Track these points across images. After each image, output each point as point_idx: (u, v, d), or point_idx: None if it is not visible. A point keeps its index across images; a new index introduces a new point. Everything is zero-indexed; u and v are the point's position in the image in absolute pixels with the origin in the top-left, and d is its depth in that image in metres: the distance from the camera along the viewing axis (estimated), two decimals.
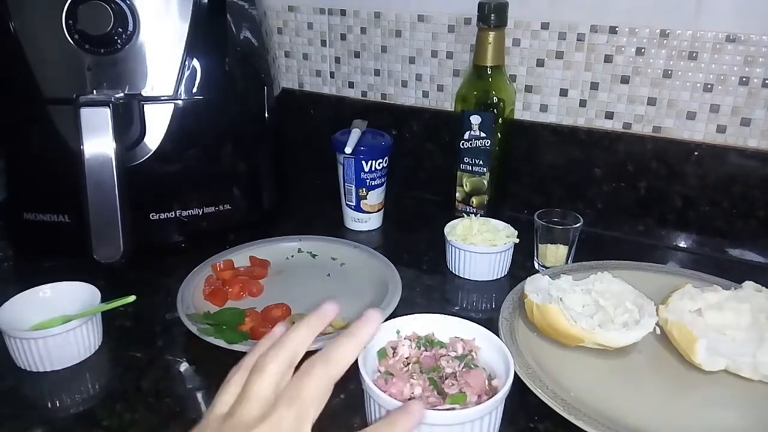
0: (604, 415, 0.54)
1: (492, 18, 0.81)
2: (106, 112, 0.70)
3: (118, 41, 0.74)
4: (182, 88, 0.78)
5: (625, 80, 0.85)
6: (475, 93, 0.85)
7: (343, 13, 1.02)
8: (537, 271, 0.80)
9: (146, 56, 0.76)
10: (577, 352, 0.63)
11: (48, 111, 0.75)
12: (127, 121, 0.75)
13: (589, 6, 0.84)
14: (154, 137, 0.78)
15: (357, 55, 1.04)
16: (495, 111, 0.84)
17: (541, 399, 0.56)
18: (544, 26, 0.88)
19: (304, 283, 0.77)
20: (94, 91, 0.75)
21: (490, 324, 0.61)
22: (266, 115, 0.91)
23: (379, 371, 0.54)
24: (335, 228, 0.93)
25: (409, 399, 0.51)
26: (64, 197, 0.78)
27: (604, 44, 0.85)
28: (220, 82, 0.81)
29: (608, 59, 0.85)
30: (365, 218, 0.92)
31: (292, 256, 0.83)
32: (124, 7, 0.73)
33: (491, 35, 0.82)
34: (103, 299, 0.66)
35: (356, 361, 0.52)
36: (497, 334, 0.57)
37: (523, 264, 0.82)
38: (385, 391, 0.50)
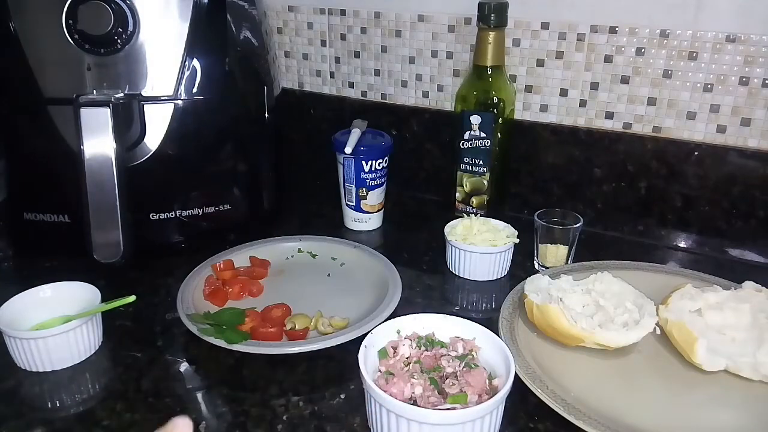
0: (604, 415, 0.54)
1: (492, 18, 0.81)
2: (106, 112, 0.70)
3: (118, 41, 0.74)
4: (182, 88, 0.78)
5: (625, 80, 0.85)
6: (475, 93, 0.85)
7: (343, 13, 1.02)
8: (537, 271, 0.80)
9: (146, 56, 0.76)
10: (577, 352, 0.63)
11: (48, 111, 0.75)
12: (127, 121, 0.75)
13: (589, 6, 0.84)
14: (154, 137, 0.78)
15: (357, 55, 1.04)
16: (495, 111, 0.84)
17: (541, 399, 0.56)
18: (544, 26, 0.88)
19: (304, 283, 0.77)
20: (94, 91, 0.75)
21: (490, 324, 0.60)
22: (266, 115, 0.91)
23: (379, 371, 0.54)
24: (335, 228, 0.93)
25: (410, 398, 0.51)
26: (64, 197, 0.78)
27: (604, 44, 0.85)
28: (220, 82, 0.81)
29: (608, 59, 0.85)
30: (365, 218, 0.92)
31: (292, 256, 0.83)
32: (124, 7, 0.73)
33: (491, 35, 0.82)
34: (103, 299, 0.66)
35: (357, 361, 0.52)
36: (497, 334, 0.57)
37: (523, 264, 0.82)
38: (385, 391, 0.50)
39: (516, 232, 0.80)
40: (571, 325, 0.62)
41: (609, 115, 0.88)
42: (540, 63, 0.90)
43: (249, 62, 0.88)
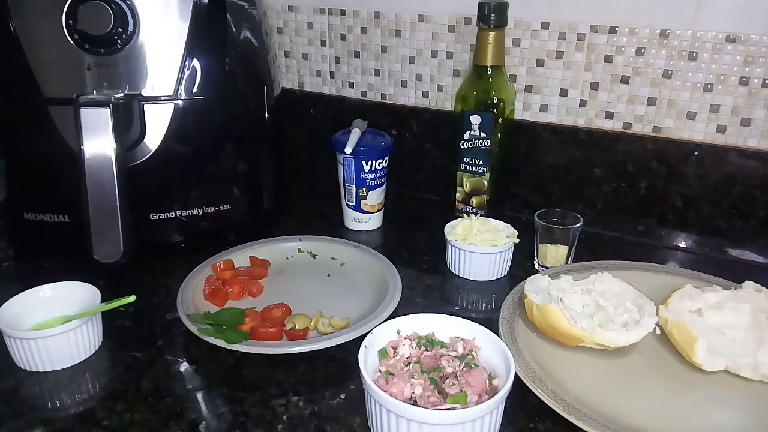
0: (604, 415, 0.54)
1: (492, 18, 0.81)
2: (106, 112, 0.70)
3: (118, 41, 0.74)
4: (182, 88, 0.78)
5: (625, 80, 0.85)
6: (475, 93, 0.85)
7: (343, 13, 1.02)
8: (537, 271, 0.80)
9: (146, 56, 0.76)
10: (577, 352, 0.63)
11: (48, 111, 0.75)
12: (127, 121, 0.75)
13: (589, 6, 0.84)
14: (154, 137, 0.78)
15: (357, 55, 1.04)
16: (495, 111, 0.84)
17: (541, 399, 0.56)
18: (544, 26, 0.88)
19: (304, 283, 0.77)
20: (94, 91, 0.75)
21: (490, 324, 0.60)
22: (266, 115, 0.91)
23: (379, 371, 0.54)
24: (335, 228, 0.93)
25: (410, 398, 0.51)
26: (64, 197, 0.78)
27: (604, 44, 0.85)
28: (220, 82, 0.81)
29: (608, 59, 0.85)
30: (365, 218, 0.92)
31: (292, 256, 0.83)
32: (124, 7, 0.73)
33: (491, 35, 0.82)
34: (103, 299, 0.66)
35: (357, 361, 0.52)
36: (497, 334, 0.57)
37: (523, 264, 0.82)
38: (385, 391, 0.50)
39: (516, 232, 0.80)
40: (571, 325, 0.62)
41: (609, 115, 0.88)
42: (540, 63, 0.90)
43: (249, 62, 0.88)
